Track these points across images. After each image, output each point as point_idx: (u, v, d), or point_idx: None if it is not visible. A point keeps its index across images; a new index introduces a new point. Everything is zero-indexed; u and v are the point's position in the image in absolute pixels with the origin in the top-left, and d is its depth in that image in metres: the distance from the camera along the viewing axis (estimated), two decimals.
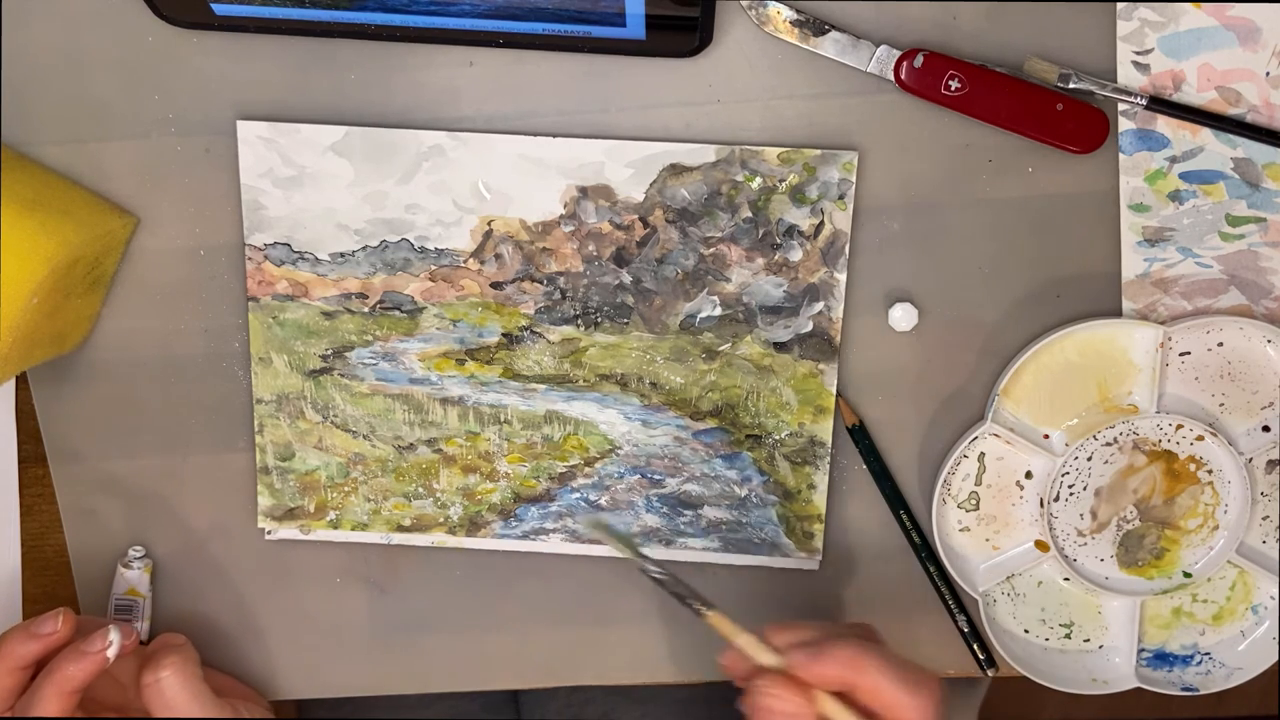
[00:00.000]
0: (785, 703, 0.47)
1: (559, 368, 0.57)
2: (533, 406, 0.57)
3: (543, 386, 0.57)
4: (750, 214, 0.54)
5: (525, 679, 0.61)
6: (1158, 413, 0.55)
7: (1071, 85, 0.52)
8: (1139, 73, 0.52)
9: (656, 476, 0.58)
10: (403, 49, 0.53)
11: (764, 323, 0.56)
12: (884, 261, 0.55)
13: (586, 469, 0.58)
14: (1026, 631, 0.59)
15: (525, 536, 0.59)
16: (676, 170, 0.54)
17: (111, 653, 0.52)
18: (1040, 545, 0.58)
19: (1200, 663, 0.59)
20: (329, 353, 0.57)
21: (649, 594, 0.60)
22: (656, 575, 0.50)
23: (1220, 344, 0.55)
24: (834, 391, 0.56)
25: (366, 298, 0.56)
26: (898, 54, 0.52)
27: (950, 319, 0.56)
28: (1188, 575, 0.58)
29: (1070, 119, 0.52)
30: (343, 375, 0.57)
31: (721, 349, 0.56)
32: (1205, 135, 0.53)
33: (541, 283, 0.55)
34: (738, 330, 0.56)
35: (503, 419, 0.57)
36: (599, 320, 0.56)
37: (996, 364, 0.56)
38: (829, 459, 0.57)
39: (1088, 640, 0.59)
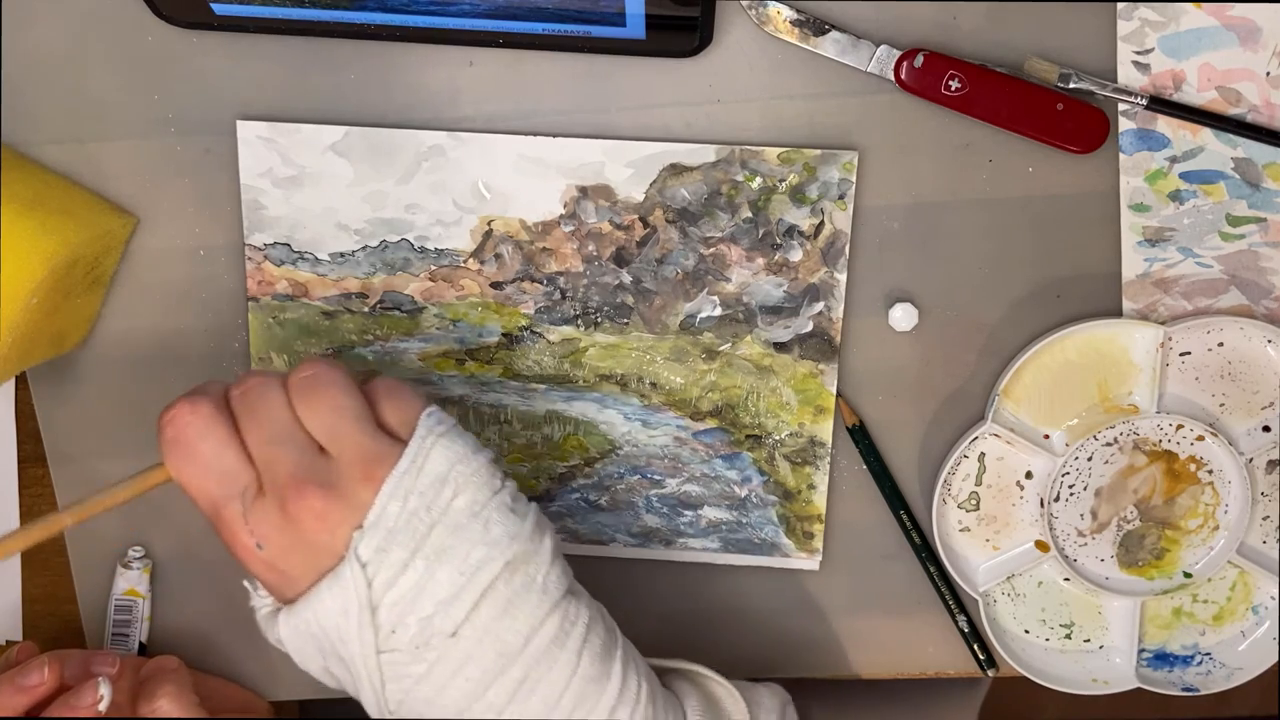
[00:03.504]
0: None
1: (559, 368, 0.56)
2: (533, 407, 0.57)
3: (543, 386, 0.57)
4: (750, 214, 0.54)
5: None
6: (1158, 413, 0.55)
7: (1071, 85, 0.52)
8: (1139, 73, 0.52)
9: (656, 477, 0.58)
10: (403, 49, 0.53)
11: (764, 323, 0.56)
12: (884, 261, 0.55)
13: (586, 469, 0.58)
14: (1027, 631, 0.59)
15: None
16: (676, 170, 0.54)
17: (103, 706, 0.51)
18: (1040, 545, 0.58)
19: (1200, 663, 0.59)
20: (329, 352, 0.57)
21: (648, 593, 0.60)
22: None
23: (1221, 344, 0.55)
24: (834, 391, 0.56)
25: (366, 298, 0.56)
26: (898, 54, 0.52)
27: (950, 319, 0.56)
28: (1188, 575, 0.58)
29: (1070, 119, 0.52)
30: None
31: (721, 349, 0.56)
32: (1205, 135, 0.53)
33: (541, 283, 0.55)
34: (738, 330, 0.56)
35: (503, 419, 0.57)
36: (599, 320, 0.56)
37: (997, 364, 0.56)
38: (829, 459, 0.57)
39: (1088, 640, 0.59)
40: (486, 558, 0.44)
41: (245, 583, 0.47)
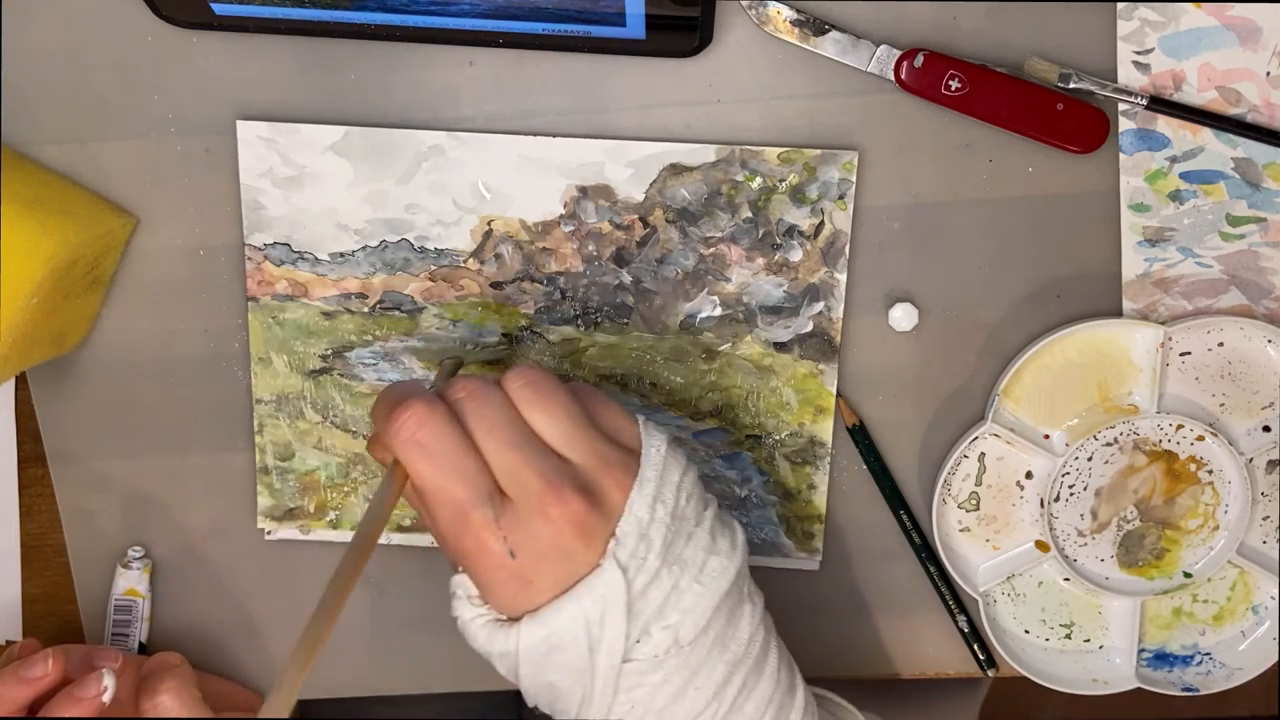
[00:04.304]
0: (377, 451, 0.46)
1: (559, 368, 0.56)
2: None
3: None
4: (750, 214, 0.54)
5: None
6: (1158, 413, 0.55)
7: (1072, 85, 0.52)
8: (1139, 72, 0.52)
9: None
10: (403, 49, 0.53)
11: (764, 323, 0.56)
12: (884, 261, 0.55)
13: None
14: (1027, 631, 0.59)
15: None
16: (676, 170, 0.54)
17: (107, 698, 0.51)
18: (1040, 545, 0.58)
19: (1200, 663, 0.59)
20: (329, 353, 0.57)
21: None
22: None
23: (1221, 344, 0.55)
24: (834, 391, 0.56)
25: (366, 298, 0.56)
26: (898, 54, 0.52)
27: (950, 319, 0.56)
28: (1188, 575, 0.58)
29: (1070, 119, 0.52)
30: (342, 375, 0.57)
31: (721, 349, 0.56)
32: (1206, 135, 0.53)
33: (541, 283, 0.55)
34: (738, 330, 0.56)
35: None
36: (599, 320, 0.56)
37: (997, 364, 0.56)
38: (829, 459, 0.57)
39: (1088, 640, 0.59)
40: (721, 568, 0.44)
41: (456, 589, 0.45)
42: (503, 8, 0.49)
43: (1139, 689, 0.59)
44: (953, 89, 0.52)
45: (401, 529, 0.59)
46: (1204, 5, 0.51)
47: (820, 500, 0.58)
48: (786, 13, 0.52)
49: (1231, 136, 0.53)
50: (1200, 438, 0.56)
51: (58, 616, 0.61)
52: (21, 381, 0.58)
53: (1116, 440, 0.56)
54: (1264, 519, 0.58)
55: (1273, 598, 0.59)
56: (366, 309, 0.56)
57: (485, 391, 0.44)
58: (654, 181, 0.54)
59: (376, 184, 0.54)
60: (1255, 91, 0.52)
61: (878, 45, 0.52)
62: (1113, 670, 0.59)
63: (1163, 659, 0.59)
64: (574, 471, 0.43)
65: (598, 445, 0.44)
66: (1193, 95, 0.52)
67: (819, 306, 0.55)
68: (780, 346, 0.56)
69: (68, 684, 0.52)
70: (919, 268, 0.55)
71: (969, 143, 0.54)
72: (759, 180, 0.54)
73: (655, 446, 0.45)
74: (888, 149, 0.54)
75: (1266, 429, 0.56)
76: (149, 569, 0.59)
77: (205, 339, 0.57)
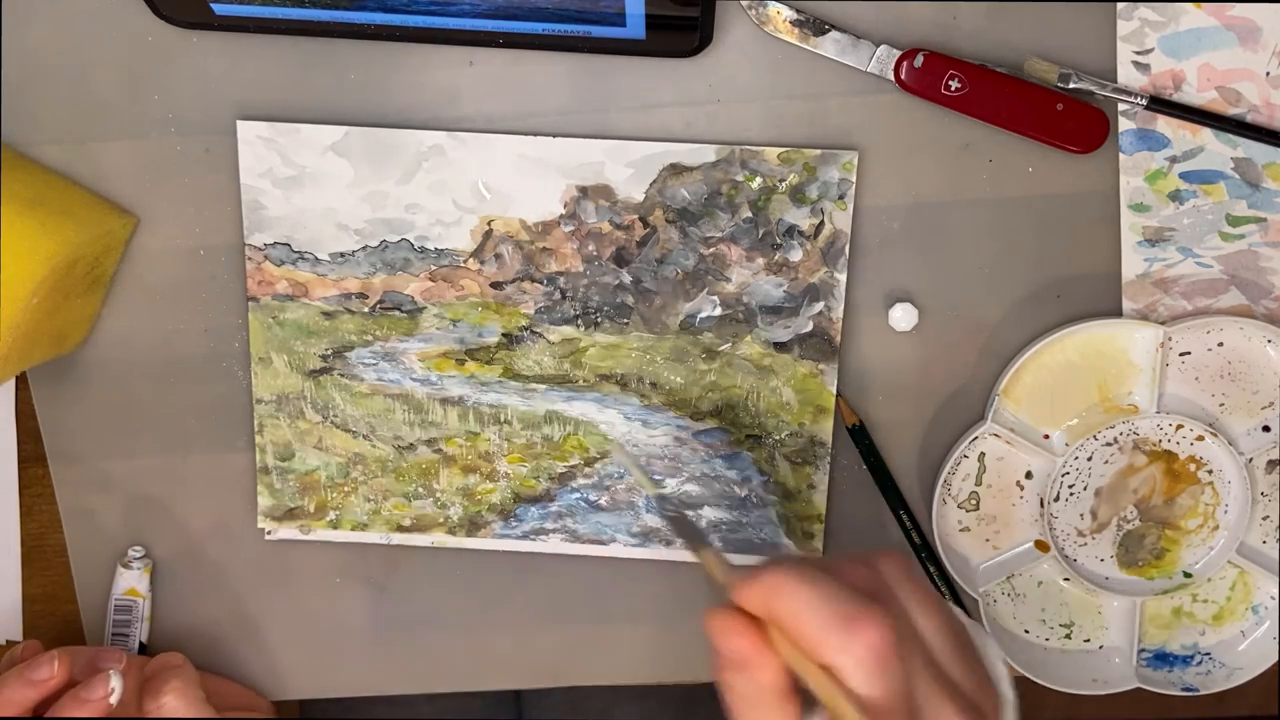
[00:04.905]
0: (731, 639, 0.40)
1: (559, 368, 0.57)
2: (533, 406, 0.57)
3: (543, 386, 0.57)
4: (750, 214, 0.54)
5: (525, 679, 0.61)
6: (1158, 413, 0.55)
7: (1071, 85, 0.52)
8: (1139, 73, 0.52)
9: (656, 476, 0.58)
10: (403, 49, 0.53)
11: (764, 323, 0.56)
12: (884, 261, 0.55)
13: (586, 469, 0.58)
14: (1026, 631, 0.59)
15: (525, 537, 0.59)
16: (676, 170, 0.54)
17: (114, 699, 0.51)
18: (1040, 545, 0.58)
19: (1200, 663, 0.59)
20: (329, 353, 0.57)
21: (649, 594, 0.60)
22: (669, 512, 0.48)
23: (1220, 344, 0.55)
24: (834, 391, 0.56)
25: (366, 298, 0.56)
26: (898, 54, 0.52)
27: (950, 319, 0.56)
28: (1188, 575, 0.58)
29: (1070, 119, 0.52)
30: (343, 375, 0.57)
31: (721, 349, 0.56)
32: (1205, 135, 0.53)
33: (541, 283, 0.55)
34: (738, 330, 0.56)
35: (503, 419, 0.57)
36: (599, 320, 0.56)
37: (996, 364, 0.56)
38: (829, 459, 0.57)
39: (1088, 640, 0.59)
40: None
41: None
42: (503, 8, 0.49)
43: (1139, 689, 0.59)
44: (953, 89, 0.52)
45: (401, 529, 0.59)
46: (1204, 5, 0.51)
47: (820, 500, 0.58)
48: (786, 13, 0.52)
49: (1231, 136, 0.53)
50: (1200, 438, 0.56)
51: (58, 616, 0.61)
52: (21, 381, 0.58)
53: (1116, 440, 0.56)
54: (1264, 519, 0.58)
55: (1273, 598, 0.59)
56: (366, 309, 0.56)
57: (896, 598, 0.41)
58: (654, 181, 0.54)
59: (376, 184, 0.54)
60: (1255, 91, 0.52)
61: (878, 45, 0.52)
62: (1113, 670, 0.59)
63: (1163, 659, 0.59)
64: (972, 703, 0.41)
65: (972, 661, 0.42)
66: (1193, 95, 0.52)
67: (819, 306, 0.55)
68: (780, 346, 0.56)
69: (73, 685, 0.52)
70: (919, 268, 0.55)
71: (969, 143, 0.54)
72: (759, 180, 0.54)
73: (1001, 659, 0.44)
74: (888, 149, 0.54)
75: (1266, 429, 0.56)
76: (149, 569, 0.59)
77: (205, 339, 0.57)
